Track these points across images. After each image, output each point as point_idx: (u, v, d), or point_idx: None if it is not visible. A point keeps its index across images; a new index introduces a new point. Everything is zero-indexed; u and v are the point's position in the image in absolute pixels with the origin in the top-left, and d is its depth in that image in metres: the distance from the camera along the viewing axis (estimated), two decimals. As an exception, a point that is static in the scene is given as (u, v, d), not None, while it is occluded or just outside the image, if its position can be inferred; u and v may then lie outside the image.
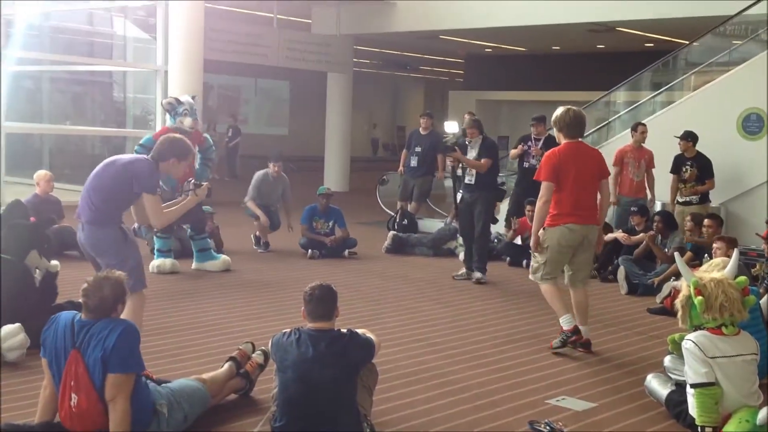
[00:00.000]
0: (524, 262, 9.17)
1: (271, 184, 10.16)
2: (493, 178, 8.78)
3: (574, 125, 6.09)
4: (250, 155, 23.42)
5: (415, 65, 32.05)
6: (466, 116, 11.39)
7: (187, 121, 8.51)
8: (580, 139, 6.27)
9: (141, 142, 8.36)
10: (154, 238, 8.53)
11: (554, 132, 6.31)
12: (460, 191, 8.80)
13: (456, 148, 8.64)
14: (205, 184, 5.50)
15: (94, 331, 3.80)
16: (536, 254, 6.14)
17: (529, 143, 10.22)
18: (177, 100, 8.62)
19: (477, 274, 8.64)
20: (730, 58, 11.20)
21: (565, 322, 6.06)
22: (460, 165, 8.65)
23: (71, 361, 3.80)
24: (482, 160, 8.49)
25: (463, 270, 8.86)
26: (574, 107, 6.17)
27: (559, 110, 6.13)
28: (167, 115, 8.59)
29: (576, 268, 6.18)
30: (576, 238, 6.03)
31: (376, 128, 35.73)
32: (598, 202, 6.29)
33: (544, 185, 6.02)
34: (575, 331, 6.04)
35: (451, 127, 9.01)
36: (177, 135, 5.31)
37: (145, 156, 5.21)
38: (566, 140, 6.12)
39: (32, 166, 13.95)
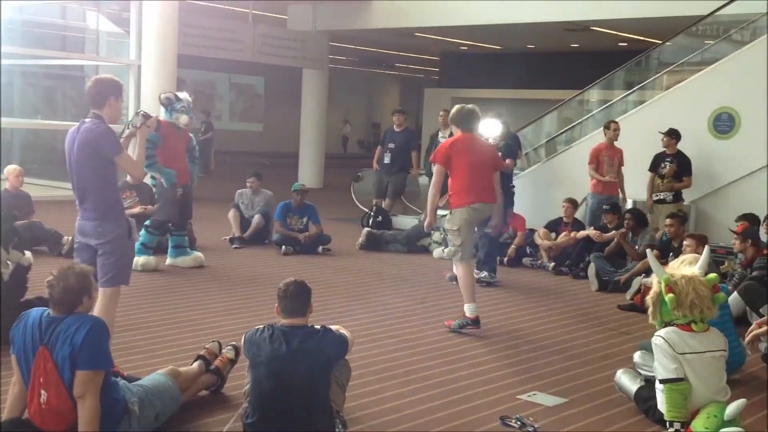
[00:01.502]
0: (498, 258, 9.14)
1: (249, 197, 10.57)
2: (508, 181, 8.61)
3: (467, 120, 6.75)
4: (224, 151, 23.34)
5: (390, 62, 32.04)
6: (442, 113, 11.46)
7: (183, 119, 8.49)
8: (474, 134, 6.86)
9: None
10: (143, 232, 8.45)
11: (452, 127, 6.91)
12: None
13: None
14: (154, 116, 5.63)
15: (63, 327, 3.76)
16: (451, 238, 6.67)
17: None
18: (176, 96, 8.59)
19: (483, 274, 8.40)
20: (702, 58, 11.29)
21: (470, 310, 6.52)
22: None
23: (39, 358, 3.77)
24: (507, 161, 8.45)
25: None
26: (469, 105, 6.84)
27: (455, 108, 6.85)
28: (162, 109, 8.51)
29: None
30: (480, 216, 6.70)
31: (346, 125, 35.10)
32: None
33: (435, 168, 6.68)
34: (476, 321, 6.49)
35: (493, 130, 8.64)
36: (101, 75, 5.22)
37: (88, 120, 5.05)
38: (461, 133, 6.75)
39: (2, 160, 13.78)
